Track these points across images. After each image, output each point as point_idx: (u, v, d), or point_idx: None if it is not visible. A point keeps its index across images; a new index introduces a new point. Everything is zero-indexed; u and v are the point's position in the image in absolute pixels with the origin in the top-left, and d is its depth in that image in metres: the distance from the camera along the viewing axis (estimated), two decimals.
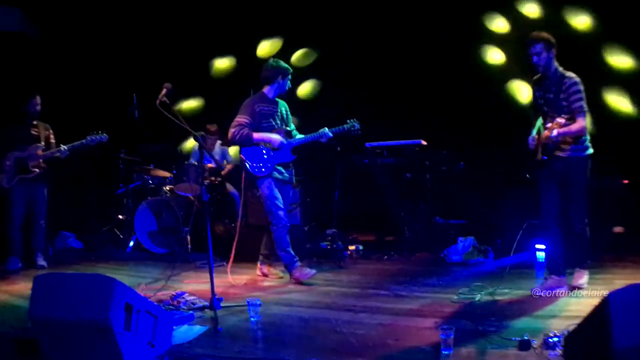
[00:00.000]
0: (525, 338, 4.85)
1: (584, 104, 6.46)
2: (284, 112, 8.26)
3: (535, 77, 6.94)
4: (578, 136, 6.52)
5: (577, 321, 4.22)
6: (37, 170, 9.44)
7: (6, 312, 6.82)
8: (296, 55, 13.56)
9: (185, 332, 5.61)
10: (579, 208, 6.70)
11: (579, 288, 6.80)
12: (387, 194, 10.44)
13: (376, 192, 10.59)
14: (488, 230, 9.87)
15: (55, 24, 12.99)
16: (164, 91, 6.30)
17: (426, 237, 10.23)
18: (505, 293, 6.91)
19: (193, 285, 7.91)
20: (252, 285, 8.02)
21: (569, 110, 6.45)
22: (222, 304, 6.45)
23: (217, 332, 5.63)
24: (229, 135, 7.92)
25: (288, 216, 8.35)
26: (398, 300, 6.84)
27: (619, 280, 7.22)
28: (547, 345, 4.71)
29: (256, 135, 7.87)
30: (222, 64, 14.39)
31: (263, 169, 7.88)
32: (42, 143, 9.51)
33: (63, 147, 9.34)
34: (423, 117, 11.74)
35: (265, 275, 8.52)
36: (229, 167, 12.12)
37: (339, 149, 8.74)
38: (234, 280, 8.05)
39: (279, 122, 8.11)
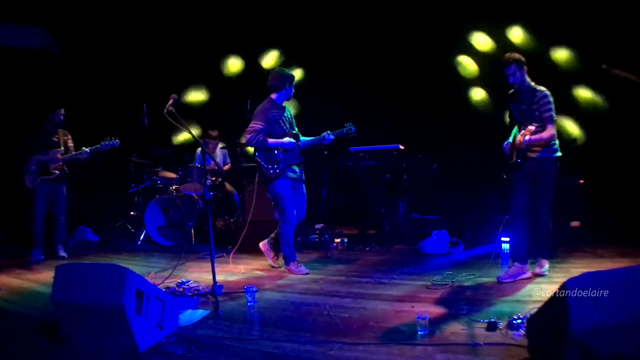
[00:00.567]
0: (492, 320, 4.91)
1: (553, 113, 6.58)
2: (290, 116, 8.20)
3: (510, 92, 7.00)
4: (549, 141, 6.62)
5: (539, 305, 4.24)
6: (57, 172, 9.47)
7: (31, 297, 6.86)
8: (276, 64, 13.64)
9: (189, 316, 5.63)
10: (545, 203, 6.77)
11: (540, 275, 6.91)
12: (368, 193, 10.44)
13: (359, 191, 10.60)
14: (459, 224, 9.91)
15: (76, 42, 13.00)
16: (170, 101, 6.29)
17: (404, 231, 10.23)
18: (474, 280, 6.99)
19: (197, 274, 7.93)
20: (249, 274, 8.02)
21: (540, 120, 6.57)
22: (222, 291, 6.48)
23: (217, 316, 5.66)
24: (245, 139, 7.84)
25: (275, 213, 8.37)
26: (379, 287, 6.86)
27: (576, 268, 7.26)
28: (511, 326, 4.77)
29: (270, 140, 7.79)
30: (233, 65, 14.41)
31: (277, 170, 7.85)
32: (62, 148, 9.54)
33: (84, 149, 9.37)
34: (401, 124, 11.82)
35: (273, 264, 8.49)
36: (226, 167, 12.14)
37: (326, 152, 8.76)
38: (235, 269, 8.10)
39: (287, 125, 8.05)
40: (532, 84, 6.78)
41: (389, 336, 4.88)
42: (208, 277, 6.34)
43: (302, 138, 8.09)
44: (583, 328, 3.46)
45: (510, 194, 6.98)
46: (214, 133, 12.09)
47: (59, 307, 4.73)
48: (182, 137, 13.93)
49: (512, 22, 11.43)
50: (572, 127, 10.68)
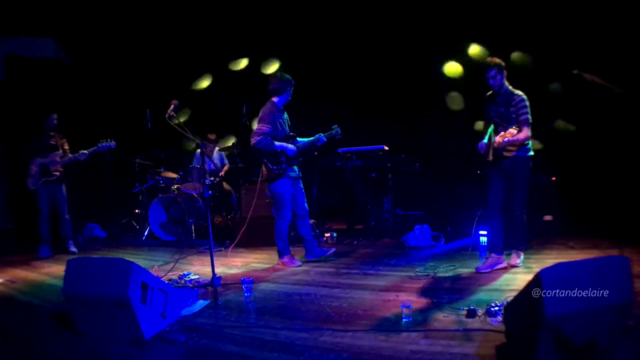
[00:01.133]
0: (472, 308, 4.93)
1: (529, 116, 6.58)
2: (287, 118, 8.15)
3: (487, 94, 7.00)
4: (524, 142, 6.64)
5: (515, 293, 4.25)
6: (57, 173, 9.45)
7: (44, 289, 6.85)
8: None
9: (190, 306, 5.62)
10: (520, 199, 6.78)
11: (516, 266, 6.93)
12: (356, 191, 10.43)
13: (347, 189, 10.58)
14: (440, 219, 9.90)
15: (84, 52, 12.95)
16: (171, 107, 6.27)
17: (389, 226, 10.23)
18: (455, 270, 6.99)
19: (197, 267, 7.91)
20: (245, 267, 8.00)
21: (517, 122, 6.57)
22: (220, 282, 6.47)
23: (217, 305, 5.65)
24: (254, 141, 7.70)
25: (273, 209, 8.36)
26: (366, 278, 6.85)
27: (549, 259, 7.32)
28: (490, 313, 4.79)
29: (277, 144, 7.75)
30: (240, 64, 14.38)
31: (281, 170, 7.83)
32: (60, 151, 9.51)
33: (83, 151, 9.31)
34: (385, 127, 11.84)
35: (321, 255, 8.39)
36: (225, 168, 12.14)
37: (316, 153, 8.74)
38: (232, 262, 8.10)
39: (286, 128, 8.02)
40: (510, 87, 6.79)
41: (376, 323, 4.89)
42: (207, 270, 6.32)
43: (298, 139, 8.08)
44: (556, 314, 3.48)
45: (487, 190, 7.00)
46: (212, 136, 12.13)
47: (70, 298, 4.73)
48: (184, 140, 13.92)
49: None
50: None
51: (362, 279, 6.84)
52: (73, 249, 9.73)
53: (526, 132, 6.55)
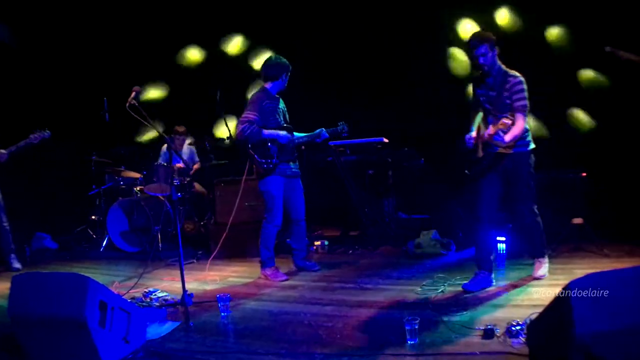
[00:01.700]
0: (489, 327, 4.90)
1: (527, 102, 6.39)
2: (283, 108, 8.19)
3: (475, 75, 6.91)
4: (521, 135, 6.44)
5: (539, 310, 4.25)
6: None
7: None
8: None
9: (158, 328, 5.61)
10: (527, 200, 6.71)
11: (539, 279, 6.85)
12: (350, 191, 10.44)
13: (340, 189, 10.58)
14: (450, 223, 9.89)
15: (29, 30, 12.89)
16: (133, 94, 6.27)
17: (389, 232, 10.25)
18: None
19: (165, 282, 7.91)
20: (222, 281, 8.00)
21: (511, 108, 6.38)
22: (193, 300, 6.45)
23: (188, 327, 5.64)
24: (238, 130, 7.76)
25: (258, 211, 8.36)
26: (364, 293, 6.86)
27: (579, 269, 7.24)
28: (510, 333, 4.76)
29: (265, 132, 7.76)
30: (193, 55, 14.41)
31: (271, 165, 7.81)
32: None
33: (2, 151, 9.07)
34: (385, 115, 11.80)
35: (304, 268, 8.44)
36: (196, 167, 12.12)
37: (303, 147, 8.75)
38: (208, 277, 8.10)
39: (281, 118, 8.04)
40: (504, 67, 6.60)
41: (375, 346, 4.88)
42: (177, 286, 6.33)
43: (295, 134, 8.09)
44: (588, 332, 3.46)
45: (477, 195, 6.82)
46: (181, 128, 12.11)
47: (17, 320, 4.70)
48: (147, 133, 13.89)
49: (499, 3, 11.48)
50: (579, 117, 10.68)
51: (358, 294, 6.85)
52: (17, 265, 9.44)
53: (521, 122, 6.34)
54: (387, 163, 10.56)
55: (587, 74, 10.64)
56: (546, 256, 7.05)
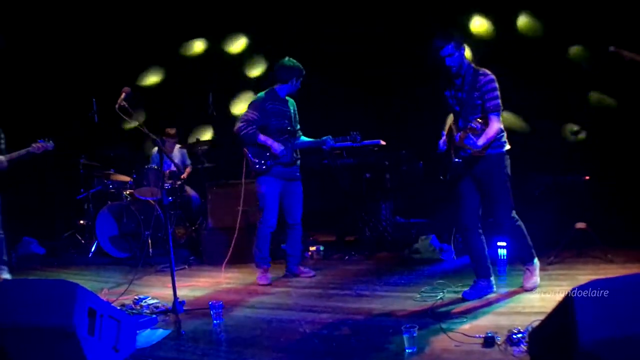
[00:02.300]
0: (490, 335, 4.89)
1: (499, 101, 6.22)
2: (293, 111, 8.21)
3: (443, 77, 6.67)
4: (496, 137, 6.27)
5: (541, 317, 4.25)
6: None
7: None
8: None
9: (148, 336, 5.60)
10: (505, 204, 6.51)
11: (532, 289, 6.68)
12: (347, 195, 10.44)
13: (336, 192, 10.59)
14: (449, 228, 9.86)
15: (15, 30, 12.87)
16: (123, 95, 6.27)
17: (387, 237, 10.24)
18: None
19: (156, 289, 7.89)
20: (214, 288, 8.00)
21: (483, 109, 6.23)
22: (184, 308, 6.44)
23: (180, 336, 5.63)
24: (235, 128, 7.83)
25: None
26: (360, 300, 6.87)
27: (582, 275, 7.24)
28: (511, 341, 4.75)
29: (261, 137, 7.81)
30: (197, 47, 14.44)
31: (264, 167, 7.85)
32: None
33: (1, 158, 8.76)
34: (382, 117, 11.80)
35: (298, 274, 8.44)
36: (188, 170, 12.10)
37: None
38: (199, 283, 8.11)
39: (287, 121, 8.05)
40: (474, 65, 6.42)
41: (373, 355, 4.88)
42: (168, 293, 6.31)
43: (302, 138, 8.11)
44: (592, 340, 3.45)
45: (457, 201, 6.75)
46: (172, 131, 12.07)
47: (2, 329, 4.67)
48: (136, 135, 13.86)
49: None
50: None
51: (355, 301, 6.86)
52: (6, 275, 9.04)
53: (495, 124, 6.17)
54: (384, 166, 10.56)
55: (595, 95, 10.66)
56: (536, 262, 6.83)
